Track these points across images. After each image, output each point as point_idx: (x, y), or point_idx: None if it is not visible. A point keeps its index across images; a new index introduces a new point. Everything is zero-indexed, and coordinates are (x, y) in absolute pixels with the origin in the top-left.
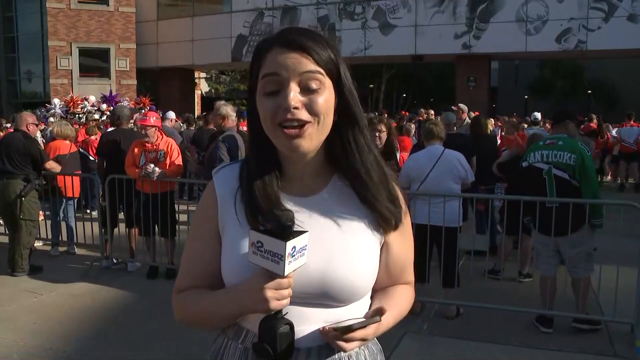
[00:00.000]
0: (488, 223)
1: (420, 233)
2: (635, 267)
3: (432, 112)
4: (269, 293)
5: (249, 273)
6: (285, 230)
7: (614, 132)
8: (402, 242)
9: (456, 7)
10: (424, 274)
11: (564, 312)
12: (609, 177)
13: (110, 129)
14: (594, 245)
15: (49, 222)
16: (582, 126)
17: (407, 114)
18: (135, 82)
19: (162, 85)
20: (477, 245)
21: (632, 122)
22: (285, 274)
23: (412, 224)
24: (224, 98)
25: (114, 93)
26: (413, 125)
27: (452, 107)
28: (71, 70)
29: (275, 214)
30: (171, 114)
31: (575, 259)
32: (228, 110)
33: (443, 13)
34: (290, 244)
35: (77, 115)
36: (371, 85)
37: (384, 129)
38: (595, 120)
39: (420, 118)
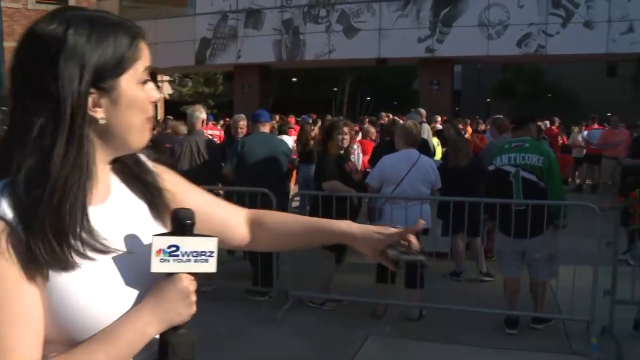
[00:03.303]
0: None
1: None
2: (591, 267)
3: (391, 116)
4: (194, 296)
5: (132, 296)
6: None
7: (584, 134)
8: (194, 196)
9: (420, 11)
10: (386, 275)
11: (526, 312)
12: (571, 179)
13: None
14: (557, 247)
15: None
16: (545, 129)
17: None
18: None
19: None
20: (439, 247)
21: (596, 125)
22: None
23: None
24: (189, 102)
25: None
26: (373, 129)
27: (413, 110)
28: None
29: (180, 212)
30: None
31: (538, 261)
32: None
33: (407, 17)
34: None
35: None
36: (335, 89)
37: (347, 131)
38: (557, 124)
39: (382, 121)
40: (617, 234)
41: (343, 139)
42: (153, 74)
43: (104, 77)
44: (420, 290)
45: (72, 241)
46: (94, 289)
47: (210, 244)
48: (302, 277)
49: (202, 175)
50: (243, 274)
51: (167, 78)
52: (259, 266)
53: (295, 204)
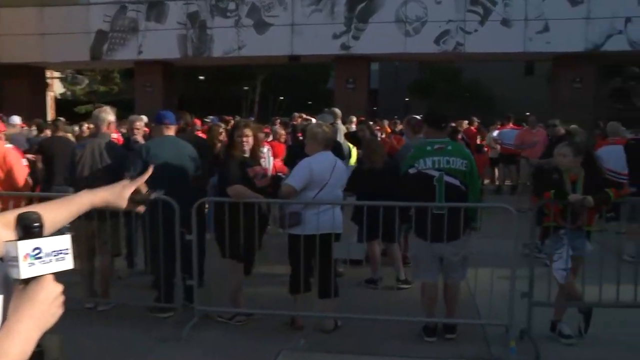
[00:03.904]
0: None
1: (305, 244)
2: (509, 269)
3: (304, 116)
4: (62, 296)
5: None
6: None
7: (494, 134)
8: None
9: (334, 6)
10: (299, 285)
11: (445, 319)
12: (489, 180)
13: None
14: (471, 249)
15: None
16: (463, 129)
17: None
18: None
19: (7, 85)
20: (353, 254)
21: (511, 124)
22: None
23: (299, 236)
24: (82, 101)
25: None
26: (283, 130)
27: (326, 110)
28: None
29: (26, 216)
30: (16, 119)
31: (454, 264)
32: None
33: (321, 12)
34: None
35: None
36: (246, 88)
37: (249, 133)
38: (475, 124)
39: (294, 122)
40: (533, 235)
41: (243, 141)
42: (41, 70)
43: None
44: (335, 300)
45: None
46: None
47: (64, 242)
48: (209, 290)
49: (103, 181)
50: (144, 289)
51: (57, 75)
52: (161, 280)
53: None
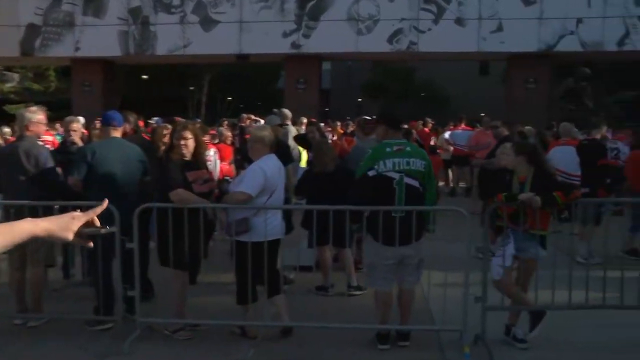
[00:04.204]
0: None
1: (253, 251)
2: (463, 273)
3: (253, 117)
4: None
5: None
6: None
7: (446, 135)
8: None
9: (284, 3)
10: (247, 296)
11: (398, 327)
12: (444, 182)
13: None
14: (425, 253)
15: None
16: (417, 130)
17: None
18: None
19: None
20: (303, 261)
21: (463, 125)
22: None
23: (247, 243)
24: (13, 101)
25: None
26: (229, 132)
27: (275, 111)
28: None
29: None
30: None
31: (411, 268)
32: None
33: (270, 9)
34: None
35: None
36: (192, 88)
37: (189, 136)
38: (429, 125)
39: (242, 123)
40: (486, 238)
41: (182, 144)
42: None
43: None
44: (287, 306)
45: None
46: None
47: None
48: (152, 301)
49: (25, 187)
50: (81, 301)
51: None
52: (101, 290)
53: None
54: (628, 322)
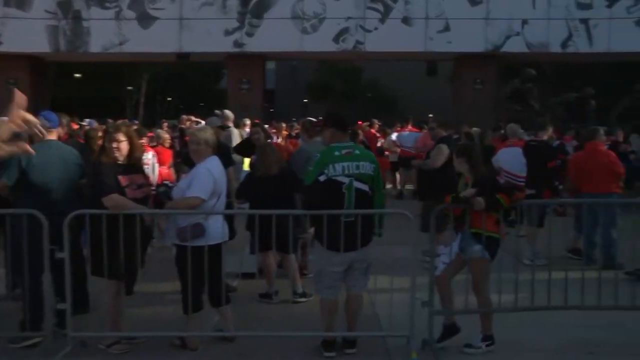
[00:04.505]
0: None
1: (198, 256)
2: (409, 278)
3: (193, 118)
4: None
5: None
6: None
7: (393, 136)
8: None
9: (226, 0)
10: (195, 302)
11: (345, 333)
12: (392, 185)
13: None
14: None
15: None
16: (364, 132)
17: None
18: None
19: None
20: (245, 267)
21: (410, 127)
22: None
23: (203, 247)
24: None
25: None
26: (167, 135)
27: (217, 112)
28: None
29: None
30: None
31: (359, 273)
32: None
33: (212, 5)
34: None
35: None
36: (130, 87)
37: (122, 138)
38: (376, 126)
39: (182, 125)
40: (432, 241)
41: (114, 147)
42: None
43: None
44: (231, 315)
45: None
46: None
47: None
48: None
49: None
50: (5, 317)
51: None
52: (27, 304)
53: None
54: (572, 323)
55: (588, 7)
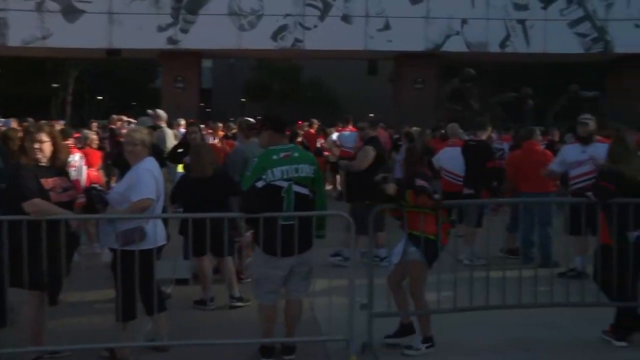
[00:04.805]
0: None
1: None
2: (348, 280)
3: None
4: None
5: None
6: None
7: (334, 136)
8: None
9: None
10: (134, 310)
11: (283, 339)
12: (332, 186)
13: None
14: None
15: None
16: (303, 132)
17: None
18: None
19: None
20: (179, 273)
21: (350, 127)
22: None
23: (146, 250)
24: None
25: None
26: (95, 135)
27: (149, 112)
28: None
29: None
30: None
31: (297, 278)
32: None
33: (144, 0)
34: None
35: None
36: (56, 85)
37: (45, 138)
38: (315, 126)
39: (113, 125)
40: (371, 243)
41: (35, 148)
42: None
43: None
44: (167, 322)
45: None
46: None
47: None
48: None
49: None
50: None
51: None
52: None
53: None
54: (511, 322)
55: (524, 8)
